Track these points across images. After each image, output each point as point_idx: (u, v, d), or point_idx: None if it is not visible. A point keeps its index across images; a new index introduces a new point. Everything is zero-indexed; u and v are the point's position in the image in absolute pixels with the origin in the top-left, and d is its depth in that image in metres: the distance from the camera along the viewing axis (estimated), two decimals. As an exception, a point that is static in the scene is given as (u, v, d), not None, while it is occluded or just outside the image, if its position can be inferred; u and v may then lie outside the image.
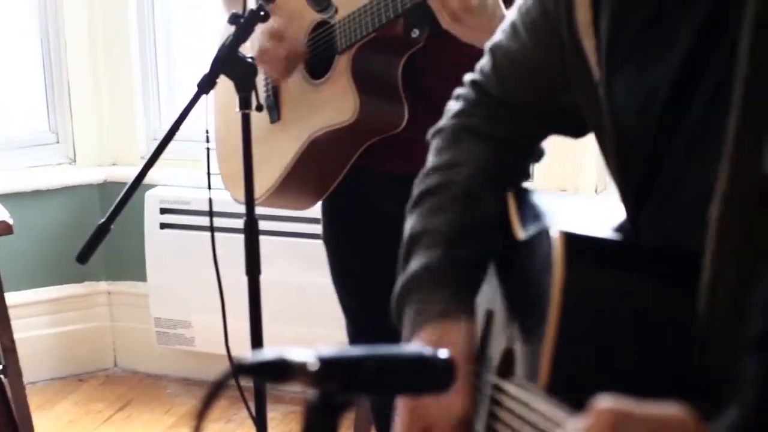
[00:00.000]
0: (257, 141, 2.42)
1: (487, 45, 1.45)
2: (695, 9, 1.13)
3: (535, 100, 1.40)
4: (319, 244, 2.51)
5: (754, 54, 1.03)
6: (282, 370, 0.83)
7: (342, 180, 2.36)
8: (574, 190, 3.49)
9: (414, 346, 0.97)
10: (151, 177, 3.93)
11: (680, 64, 1.14)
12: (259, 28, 2.30)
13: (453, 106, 1.49)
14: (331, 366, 0.85)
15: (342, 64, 2.27)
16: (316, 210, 2.57)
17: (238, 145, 2.25)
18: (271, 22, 2.30)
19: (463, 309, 1.36)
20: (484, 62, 1.46)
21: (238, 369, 0.81)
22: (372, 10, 2.18)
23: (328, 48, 2.31)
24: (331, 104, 2.29)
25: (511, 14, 1.42)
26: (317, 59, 2.36)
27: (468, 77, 1.49)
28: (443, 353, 0.98)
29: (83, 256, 2.24)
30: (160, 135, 3.99)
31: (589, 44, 1.25)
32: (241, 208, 2.30)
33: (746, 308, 1.04)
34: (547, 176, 3.52)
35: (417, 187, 1.46)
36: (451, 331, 1.34)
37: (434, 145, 1.48)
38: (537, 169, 3.53)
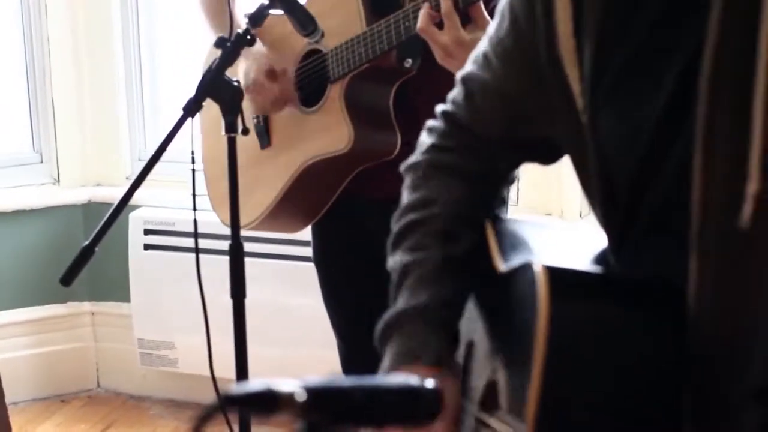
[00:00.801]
0: (247, 165, 2.44)
1: (458, 75, 1.44)
2: (679, 51, 1.12)
3: (506, 130, 1.39)
4: (306, 266, 2.51)
5: (711, 92, 1.04)
6: (269, 402, 0.82)
7: (333, 203, 2.39)
8: (559, 215, 3.50)
9: (401, 376, 0.96)
10: (135, 197, 3.91)
11: (664, 106, 1.14)
12: (251, 56, 2.31)
13: (425, 139, 1.48)
14: (318, 397, 0.85)
15: (335, 93, 2.29)
16: (304, 232, 2.59)
17: (226, 167, 2.26)
18: (265, 59, 2.32)
19: (447, 356, 1.35)
20: (456, 93, 1.44)
21: (225, 401, 0.81)
22: (366, 41, 2.20)
23: (319, 76, 2.32)
24: (324, 133, 2.30)
25: (481, 44, 1.40)
26: (309, 87, 2.37)
27: (439, 108, 1.47)
28: (430, 383, 0.98)
29: (67, 279, 2.23)
30: (145, 155, 4.02)
31: (572, 73, 1.23)
32: (227, 230, 2.30)
33: (742, 350, 1.04)
34: (530, 201, 3.53)
35: (395, 225, 1.45)
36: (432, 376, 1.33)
37: (407, 181, 1.47)
38: (521, 194, 3.55)
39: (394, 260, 1.43)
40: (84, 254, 2.22)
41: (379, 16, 2.19)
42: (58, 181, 4.21)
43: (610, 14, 1.19)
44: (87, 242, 2.21)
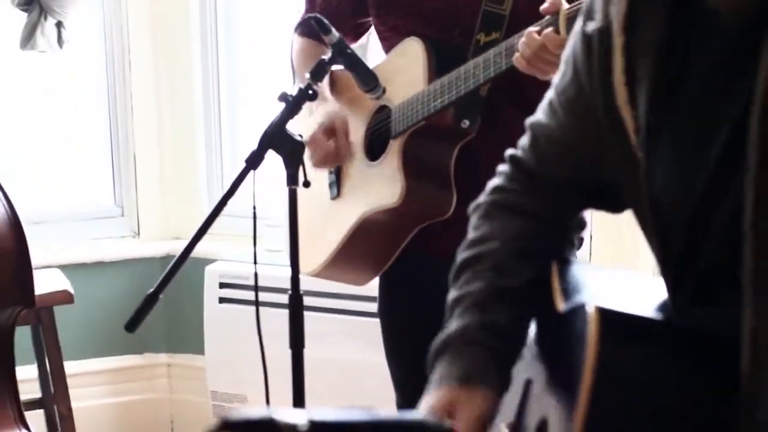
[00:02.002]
0: (319, 215, 2.50)
1: (527, 122, 1.48)
2: (733, 100, 1.13)
3: (570, 177, 1.42)
4: (371, 322, 2.54)
5: (763, 144, 1.05)
6: (269, 430, 0.84)
7: (397, 258, 2.43)
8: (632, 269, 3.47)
9: (417, 413, 0.97)
10: (211, 251, 4.04)
11: (716, 157, 1.15)
12: (323, 108, 2.37)
13: (492, 181, 1.52)
14: (321, 429, 0.86)
15: (395, 148, 2.33)
16: (371, 288, 2.62)
17: (301, 217, 2.30)
18: (329, 117, 2.38)
19: (484, 376, 1.36)
20: (524, 139, 1.48)
21: (225, 426, 0.83)
22: (424, 98, 2.25)
23: (385, 131, 2.38)
24: (381, 186, 2.35)
25: (549, 92, 1.43)
26: (378, 142, 2.42)
27: (508, 152, 1.51)
28: (446, 423, 0.99)
29: (132, 325, 2.29)
30: (223, 211, 4.08)
31: (628, 123, 1.25)
32: (303, 284, 2.33)
33: None
34: (603, 257, 3.51)
35: (457, 259, 1.48)
36: (462, 399, 1.34)
37: (471, 221, 1.51)
38: (594, 250, 3.54)
39: (449, 296, 1.45)
40: (148, 301, 2.27)
41: (442, 76, 2.23)
42: (138, 234, 4.30)
43: (664, 64, 1.21)
44: (151, 290, 2.26)
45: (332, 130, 2.41)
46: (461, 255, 1.47)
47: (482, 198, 1.51)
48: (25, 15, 3.88)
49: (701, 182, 1.17)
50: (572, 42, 1.36)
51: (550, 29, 1.99)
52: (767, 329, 1.07)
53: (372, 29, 2.50)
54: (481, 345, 1.37)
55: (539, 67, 2.03)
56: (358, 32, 2.53)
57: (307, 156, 2.27)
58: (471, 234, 1.49)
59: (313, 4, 2.57)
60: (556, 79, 1.41)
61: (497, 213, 1.47)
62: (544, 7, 2.03)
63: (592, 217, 2.54)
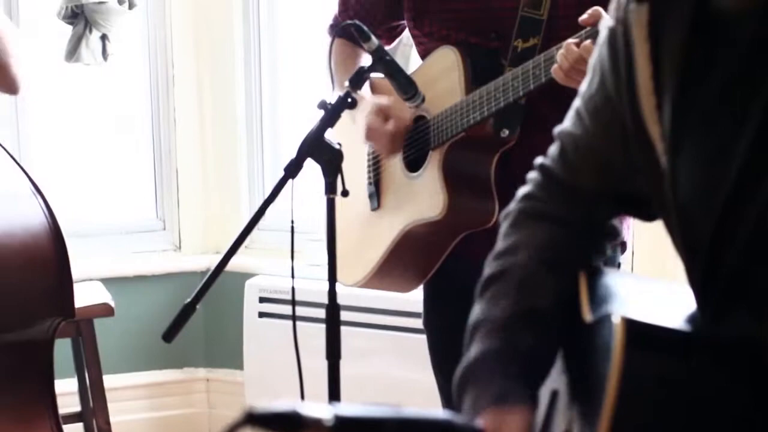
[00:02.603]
0: (360, 226, 2.51)
1: (555, 130, 1.46)
2: (757, 102, 1.11)
3: (599, 185, 1.40)
4: (412, 338, 2.52)
5: None
6: (294, 423, 0.82)
7: (442, 265, 2.41)
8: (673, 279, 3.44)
9: (446, 413, 0.95)
10: (251, 266, 4.04)
11: (741, 165, 1.13)
12: (366, 109, 2.35)
13: (522, 189, 1.50)
14: (347, 424, 0.84)
15: (434, 160, 2.32)
16: (412, 303, 2.60)
17: (343, 228, 2.30)
18: (377, 99, 2.36)
19: (519, 396, 1.34)
20: (553, 147, 1.47)
21: (249, 419, 0.81)
22: (462, 110, 2.23)
23: (423, 142, 2.36)
24: (422, 199, 2.34)
25: (576, 100, 1.42)
26: (416, 152, 2.40)
27: (538, 161, 1.50)
28: (474, 422, 0.97)
29: (169, 335, 2.29)
30: (264, 225, 4.08)
31: (654, 131, 1.24)
32: (345, 299, 2.32)
33: None
34: (643, 270, 3.48)
35: (484, 272, 1.46)
36: (506, 419, 1.32)
37: (501, 228, 1.49)
38: (635, 263, 3.50)
39: (473, 312, 1.43)
40: (185, 311, 2.27)
41: (480, 86, 2.22)
42: (180, 248, 4.31)
43: (688, 72, 1.20)
44: (189, 300, 2.25)
45: (382, 111, 2.38)
46: (489, 268, 1.45)
47: (512, 206, 1.50)
48: (70, 28, 3.90)
49: (725, 189, 1.16)
50: (598, 50, 1.35)
51: (588, 41, 1.98)
52: None
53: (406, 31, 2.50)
54: (502, 374, 1.35)
55: (577, 80, 2.01)
56: (392, 35, 2.53)
57: (363, 152, 2.24)
58: (500, 243, 1.47)
59: (346, 6, 2.57)
60: (583, 87, 1.40)
61: (526, 221, 1.46)
62: (583, 18, 2.01)
63: (634, 226, 2.52)
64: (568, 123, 1.43)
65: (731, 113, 1.15)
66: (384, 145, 2.42)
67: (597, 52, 1.36)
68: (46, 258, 2.60)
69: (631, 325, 1.12)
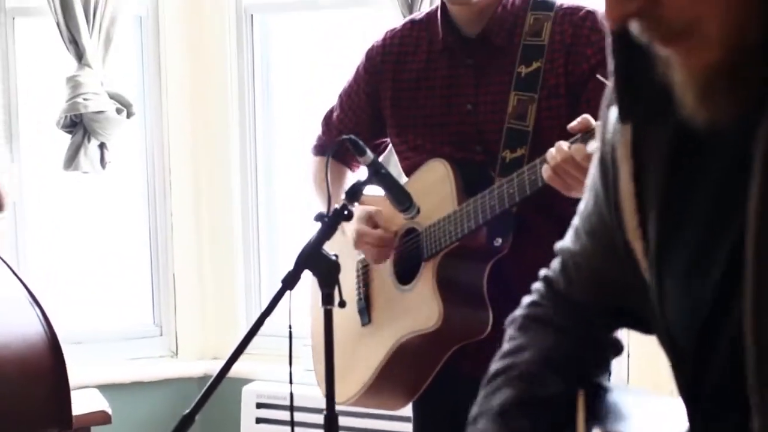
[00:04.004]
0: (349, 342, 2.49)
1: (556, 246, 1.49)
2: (730, 224, 1.13)
3: (597, 300, 1.42)
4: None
5: (757, 269, 1.05)
6: None
7: (432, 384, 2.41)
8: (668, 394, 3.43)
9: None
10: (248, 371, 4.03)
11: (717, 282, 1.14)
12: (354, 217, 2.39)
13: (527, 297, 1.53)
14: None
15: (428, 271, 2.34)
16: (407, 409, 2.60)
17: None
18: (366, 207, 2.39)
19: None
20: (555, 262, 1.49)
21: None
22: (455, 219, 2.26)
23: (415, 255, 2.38)
24: (417, 310, 2.35)
25: (575, 218, 1.45)
26: (406, 265, 2.42)
27: (542, 272, 1.52)
28: None
29: (167, 447, 2.27)
30: (261, 330, 4.08)
31: (638, 248, 1.25)
32: (342, 406, 2.33)
33: None
34: (641, 380, 3.48)
35: (489, 370, 1.48)
36: None
37: (507, 332, 1.51)
38: (631, 372, 3.51)
39: (476, 404, 1.44)
40: (184, 422, 2.26)
41: (471, 196, 2.25)
42: (176, 354, 4.30)
43: (671, 190, 1.21)
44: (187, 411, 2.25)
45: (370, 219, 2.41)
46: (494, 365, 1.47)
47: (518, 311, 1.51)
48: (69, 137, 3.94)
49: (707, 305, 1.16)
50: (593, 170, 1.37)
51: (579, 144, 2.02)
52: None
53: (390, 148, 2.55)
54: None
55: (563, 180, 2.04)
56: (377, 153, 2.56)
57: (351, 267, 2.26)
58: (505, 345, 1.48)
59: (329, 126, 2.62)
60: (582, 205, 1.42)
61: (532, 325, 1.48)
62: (572, 125, 2.05)
63: (629, 335, 2.53)
64: (567, 239, 1.46)
65: (710, 231, 1.17)
66: (373, 252, 2.44)
67: (591, 172, 1.39)
68: (44, 369, 2.60)
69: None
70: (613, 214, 1.29)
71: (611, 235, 1.31)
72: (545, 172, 2.07)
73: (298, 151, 4.24)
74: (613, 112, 1.25)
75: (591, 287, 1.42)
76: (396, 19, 3.45)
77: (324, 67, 4.28)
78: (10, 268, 2.61)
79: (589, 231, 1.39)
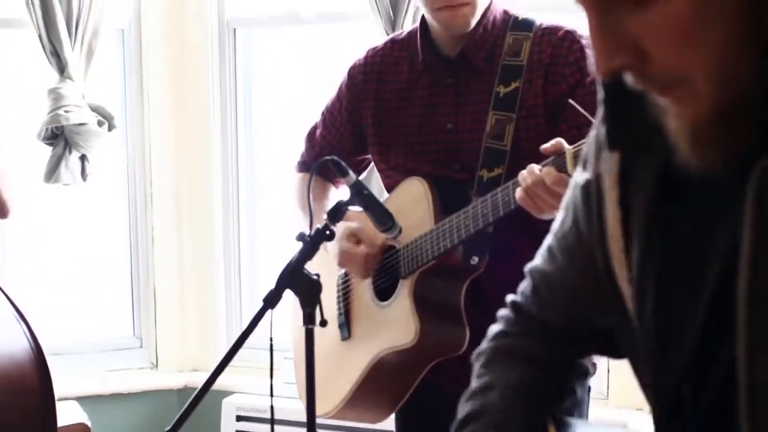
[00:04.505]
0: (330, 356, 2.51)
1: (527, 268, 1.49)
2: (719, 253, 1.14)
3: (571, 322, 1.43)
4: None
5: (750, 298, 1.06)
6: None
7: (413, 394, 2.43)
8: (648, 412, 3.46)
9: None
10: (228, 384, 4.03)
11: (705, 310, 1.15)
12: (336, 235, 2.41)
13: (493, 327, 1.52)
14: None
15: (405, 288, 2.37)
16: (389, 423, 2.62)
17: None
18: (348, 224, 2.41)
19: None
20: (524, 284, 1.49)
21: None
22: (432, 238, 2.28)
23: (394, 272, 2.40)
24: (394, 327, 2.38)
25: (548, 238, 1.45)
26: (386, 282, 2.44)
27: (509, 298, 1.52)
28: None
29: (147, 462, 2.28)
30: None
31: (621, 275, 1.26)
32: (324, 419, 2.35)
33: None
34: (620, 397, 3.51)
35: (459, 412, 1.48)
36: None
37: (474, 368, 1.51)
38: (611, 389, 3.53)
39: None
40: (165, 439, 2.26)
41: (448, 215, 2.27)
42: (156, 365, 4.30)
43: (656, 217, 1.22)
44: (168, 428, 2.25)
45: (353, 236, 2.44)
46: (463, 408, 1.47)
47: (484, 344, 1.51)
48: (49, 149, 3.95)
49: (688, 345, 1.17)
50: (572, 190, 1.38)
51: (550, 168, 2.04)
52: None
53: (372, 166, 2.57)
54: None
55: (534, 202, 2.06)
56: (359, 170, 2.58)
57: (332, 282, 2.28)
58: (473, 383, 1.48)
59: (312, 143, 2.64)
60: (556, 225, 1.42)
61: (499, 359, 1.48)
62: (545, 147, 2.07)
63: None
64: (539, 260, 1.45)
65: (693, 266, 1.18)
66: (358, 269, 2.47)
67: (570, 192, 1.39)
68: (28, 385, 2.59)
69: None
70: (597, 238, 1.29)
71: (591, 256, 1.31)
72: (517, 193, 2.09)
73: (280, 166, 4.27)
74: (600, 139, 1.27)
75: (563, 307, 1.42)
76: (379, 34, 3.48)
77: (306, 82, 4.30)
78: (-4, 284, 2.61)
79: (565, 250, 1.39)
